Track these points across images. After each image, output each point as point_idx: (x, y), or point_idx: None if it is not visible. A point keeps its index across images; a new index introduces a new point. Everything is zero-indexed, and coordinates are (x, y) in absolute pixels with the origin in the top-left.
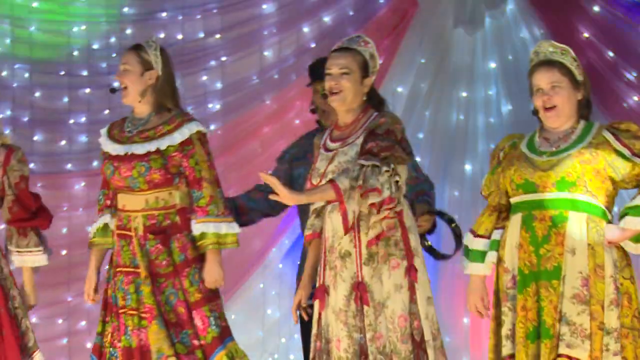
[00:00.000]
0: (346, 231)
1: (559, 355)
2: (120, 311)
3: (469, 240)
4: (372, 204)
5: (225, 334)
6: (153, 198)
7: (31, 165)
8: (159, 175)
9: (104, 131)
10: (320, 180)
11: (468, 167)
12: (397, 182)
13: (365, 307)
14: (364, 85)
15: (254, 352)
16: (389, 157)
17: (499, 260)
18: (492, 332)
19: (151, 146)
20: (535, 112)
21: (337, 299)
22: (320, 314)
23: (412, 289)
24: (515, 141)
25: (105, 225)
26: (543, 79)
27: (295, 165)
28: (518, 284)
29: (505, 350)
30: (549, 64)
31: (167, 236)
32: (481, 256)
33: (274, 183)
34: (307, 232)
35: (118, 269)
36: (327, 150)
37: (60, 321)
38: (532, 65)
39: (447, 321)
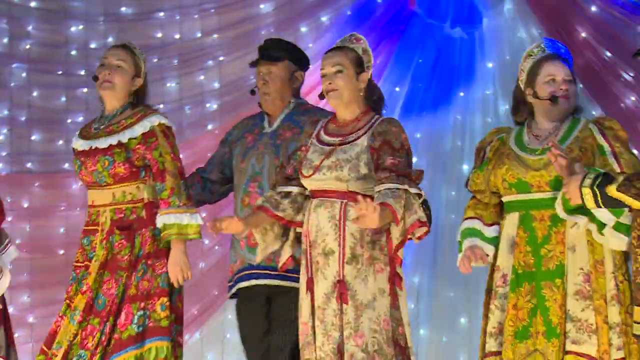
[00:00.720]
0: (395, 252)
1: (567, 353)
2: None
3: (457, 234)
4: (419, 237)
5: (147, 335)
6: (120, 192)
7: (28, 165)
8: (124, 169)
9: (74, 139)
10: (314, 173)
11: (466, 167)
12: (425, 200)
13: (345, 305)
14: (360, 80)
15: None
16: (408, 177)
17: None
18: (482, 331)
19: (113, 139)
20: (555, 100)
21: (317, 295)
22: (313, 305)
23: (394, 295)
24: (502, 136)
25: None
26: (560, 70)
27: (234, 146)
28: (511, 282)
29: (488, 347)
30: (561, 58)
31: (133, 232)
32: (478, 232)
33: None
34: (265, 205)
35: (76, 264)
36: (322, 143)
37: None
38: (543, 57)
39: (445, 321)
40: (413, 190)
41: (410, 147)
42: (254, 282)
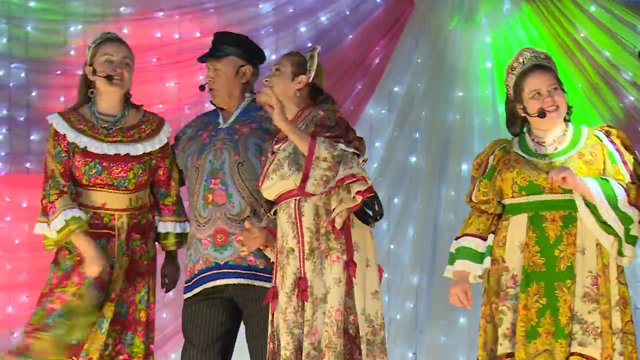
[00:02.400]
0: (300, 191)
1: (572, 354)
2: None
3: (453, 245)
4: (358, 191)
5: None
6: (135, 197)
7: (27, 165)
8: (147, 177)
9: (58, 120)
10: (263, 182)
11: (464, 167)
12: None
13: (305, 303)
14: (296, 81)
15: None
16: (358, 147)
17: (496, 260)
18: (482, 330)
19: (144, 147)
20: (542, 115)
21: (282, 297)
22: (273, 315)
23: (349, 283)
24: (505, 146)
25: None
26: (543, 81)
27: (188, 145)
28: (521, 283)
29: (502, 349)
30: (542, 67)
31: (146, 236)
32: (473, 255)
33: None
34: (270, 226)
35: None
36: (272, 152)
37: None
38: (523, 70)
39: (443, 321)
40: (350, 149)
41: (348, 123)
42: (223, 281)
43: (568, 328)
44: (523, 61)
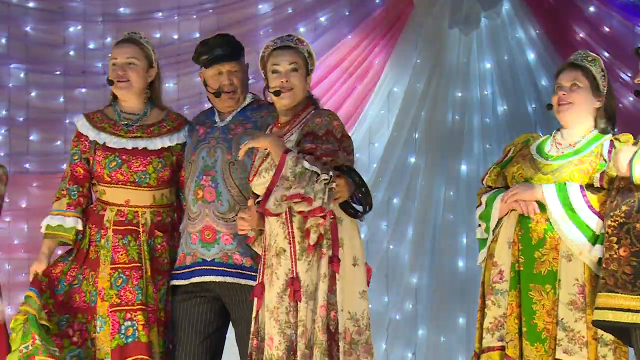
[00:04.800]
0: (261, 208)
1: None
2: (116, 309)
3: (483, 199)
4: (301, 212)
5: None
6: (159, 194)
7: (27, 165)
8: (168, 172)
9: (82, 121)
10: (254, 177)
11: (464, 167)
12: (331, 189)
13: (298, 303)
14: (307, 82)
15: None
16: (329, 163)
17: (490, 254)
18: (478, 323)
19: (163, 142)
20: (549, 107)
21: (271, 296)
22: (257, 312)
23: (332, 279)
24: (529, 139)
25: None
26: (565, 77)
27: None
28: (511, 280)
29: (485, 342)
30: (574, 65)
31: (170, 234)
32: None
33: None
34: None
35: (119, 267)
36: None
37: None
38: (560, 67)
39: (443, 320)
40: (313, 168)
41: (344, 132)
42: (209, 278)
43: (546, 333)
44: (569, 59)
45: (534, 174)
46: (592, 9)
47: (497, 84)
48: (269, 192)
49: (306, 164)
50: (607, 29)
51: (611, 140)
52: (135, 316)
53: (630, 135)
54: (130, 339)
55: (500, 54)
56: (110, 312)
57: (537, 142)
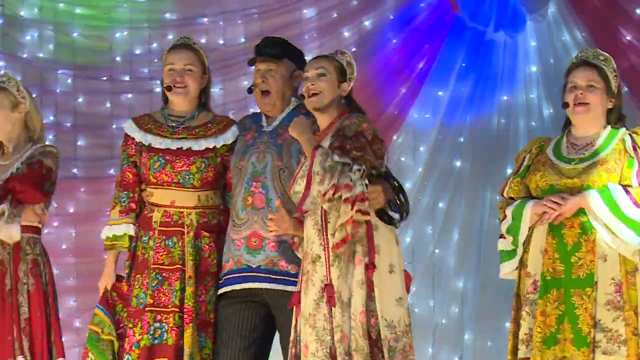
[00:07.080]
0: (298, 211)
1: None
2: (148, 309)
3: (507, 211)
4: (346, 199)
5: None
6: (204, 196)
7: (74, 170)
8: (212, 174)
9: (130, 124)
10: (292, 186)
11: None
12: (366, 184)
13: (333, 309)
14: (341, 89)
15: None
16: (360, 158)
17: (522, 264)
18: (511, 334)
19: (208, 143)
20: (565, 106)
21: (307, 303)
22: (296, 320)
23: (370, 285)
24: (542, 144)
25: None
26: (581, 76)
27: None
28: (540, 289)
29: (520, 353)
30: (589, 64)
31: (217, 235)
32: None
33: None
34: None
35: (158, 267)
36: (305, 157)
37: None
38: (571, 64)
39: (490, 325)
40: (342, 160)
41: (375, 134)
42: (255, 285)
43: (590, 337)
44: (579, 56)
45: (559, 180)
46: (639, 11)
47: (543, 87)
48: (304, 196)
49: (336, 157)
50: None
51: (630, 134)
52: (166, 319)
53: None
54: (157, 341)
55: (546, 57)
56: (145, 311)
57: (552, 145)
